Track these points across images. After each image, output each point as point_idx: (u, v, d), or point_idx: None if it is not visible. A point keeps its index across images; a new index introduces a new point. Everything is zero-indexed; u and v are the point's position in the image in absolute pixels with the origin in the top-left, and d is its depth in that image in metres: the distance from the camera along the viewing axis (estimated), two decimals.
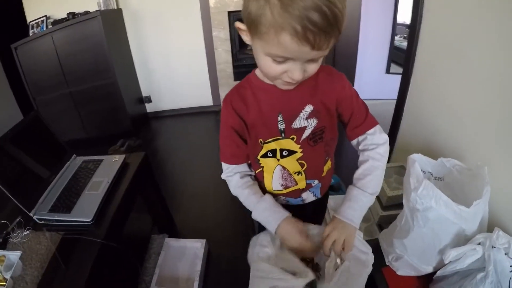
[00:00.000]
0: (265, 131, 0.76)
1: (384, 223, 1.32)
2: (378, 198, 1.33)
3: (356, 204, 0.76)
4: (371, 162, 0.76)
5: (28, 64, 2.95)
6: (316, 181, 0.86)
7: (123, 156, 1.49)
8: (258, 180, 0.87)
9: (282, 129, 0.75)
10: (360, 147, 0.79)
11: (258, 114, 0.74)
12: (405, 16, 3.01)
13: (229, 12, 2.97)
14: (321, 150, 0.79)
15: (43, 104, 3.08)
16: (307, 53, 0.53)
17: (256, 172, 0.85)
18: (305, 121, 0.74)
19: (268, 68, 0.61)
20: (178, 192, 2.21)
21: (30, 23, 3.09)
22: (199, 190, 2.21)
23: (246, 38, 0.61)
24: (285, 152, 0.78)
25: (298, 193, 0.86)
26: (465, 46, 1.15)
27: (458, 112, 1.22)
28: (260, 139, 0.77)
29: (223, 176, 0.85)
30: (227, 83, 3.27)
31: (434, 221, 0.86)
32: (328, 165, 0.86)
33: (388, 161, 1.76)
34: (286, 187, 0.85)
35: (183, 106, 3.55)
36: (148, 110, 3.58)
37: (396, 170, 1.44)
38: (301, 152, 0.77)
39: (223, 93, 3.30)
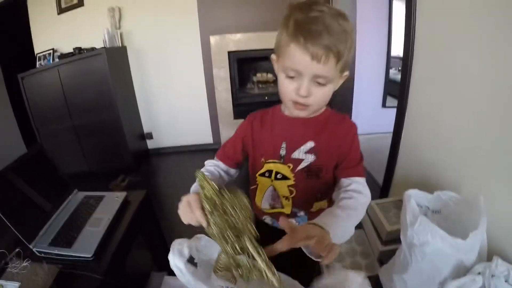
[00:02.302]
0: (269, 153, 0.86)
1: (384, 258, 1.31)
2: (377, 233, 1.33)
3: (332, 215, 0.68)
4: (356, 199, 0.73)
5: (33, 94, 3.05)
6: (302, 212, 0.90)
7: (124, 193, 1.50)
8: (250, 197, 0.93)
9: (282, 155, 0.84)
10: (342, 189, 0.78)
11: (268, 136, 0.86)
12: (399, 48, 3.10)
13: (229, 52, 3.09)
14: (314, 185, 0.84)
15: (46, 135, 3.15)
16: (309, 65, 0.64)
17: (251, 188, 0.94)
18: (303, 155, 0.81)
19: (282, 86, 0.73)
20: (178, 229, 2.19)
21: (38, 55, 3.24)
22: (199, 229, 2.17)
23: (276, 66, 0.76)
24: (279, 175, 0.86)
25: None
26: (457, 79, 1.20)
27: (453, 143, 1.25)
28: (263, 159, 0.86)
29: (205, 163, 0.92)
30: (227, 122, 3.33)
31: (432, 255, 0.86)
32: (322, 204, 0.90)
33: (386, 196, 1.79)
34: (273, 207, 0.93)
35: (183, 143, 3.61)
36: (149, 146, 3.64)
37: (395, 204, 1.45)
38: (293, 180, 0.84)
39: (223, 131, 3.37)
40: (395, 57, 3.29)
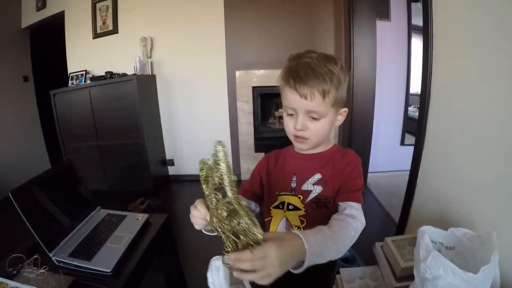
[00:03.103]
0: (281, 186, 0.92)
1: None
2: (392, 269, 1.32)
3: (317, 230, 0.68)
4: (348, 222, 0.73)
5: (63, 111, 3.20)
6: None
7: (146, 215, 1.54)
8: (265, 228, 0.97)
9: (293, 187, 0.91)
10: (337, 213, 0.79)
11: (281, 171, 0.95)
12: (417, 85, 3.14)
13: (253, 87, 3.21)
14: (323, 215, 0.85)
15: (71, 150, 3.28)
16: (299, 102, 0.77)
17: (266, 220, 0.98)
18: (312, 186, 0.88)
19: (285, 123, 0.86)
20: (193, 257, 2.20)
21: (70, 74, 3.45)
22: (214, 253, 2.17)
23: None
24: (291, 207, 0.92)
25: None
26: (473, 118, 1.24)
27: (468, 181, 1.27)
28: (276, 192, 0.93)
29: None
30: (248, 154, 3.40)
31: None
32: None
33: (402, 233, 1.77)
34: None
35: None
36: (170, 173, 3.71)
37: (410, 241, 1.44)
38: (304, 211, 0.89)
39: (244, 164, 3.43)
40: (414, 94, 3.32)
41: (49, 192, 1.34)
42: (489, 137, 1.14)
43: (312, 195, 0.88)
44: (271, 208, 0.96)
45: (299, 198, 0.89)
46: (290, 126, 0.83)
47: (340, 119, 0.87)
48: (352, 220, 0.74)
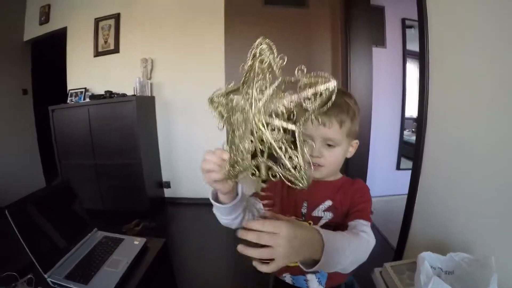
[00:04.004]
0: (292, 211, 0.93)
1: None
2: None
3: (334, 232, 0.69)
4: (361, 236, 0.74)
5: (61, 127, 3.19)
6: None
7: (144, 239, 1.53)
8: None
9: (303, 213, 0.93)
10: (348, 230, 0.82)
11: (292, 197, 0.96)
12: (412, 109, 3.19)
13: None
14: None
15: (66, 168, 3.25)
16: (318, 130, 0.80)
17: None
18: (322, 213, 0.90)
19: None
20: (189, 281, 2.16)
21: (70, 91, 3.45)
22: (211, 283, 2.14)
23: None
24: None
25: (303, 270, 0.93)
26: (470, 142, 1.28)
27: (466, 205, 1.29)
28: (287, 215, 0.91)
29: None
30: (245, 178, 3.37)
31: None
32: None
33: (400, 258, 1.76)
34: (295, 261, 0.95)
35: (200, 195, 3.60)
36: (166, 195, 3.67)
37: (409, 266, 1.44)
38: None
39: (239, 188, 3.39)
40: (409, 118, 3.39)
41: (46, 211, 1.33)
42: (486, 161, 1.18)
43: (322, 221, 0.90)
44: None
45: (309, 223, 0.91)
46: None
47: (352, 150, 0.92)
48: (365, 234, 0.75)
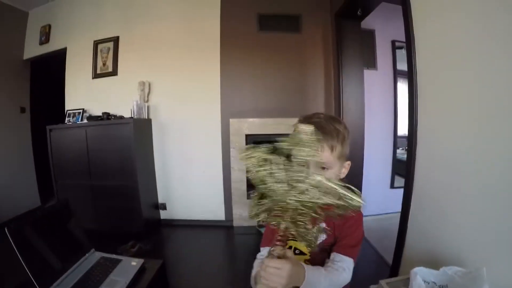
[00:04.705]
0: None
1: None
2: None
3: (316, 268, 0.87)
4: (339, 272, 0.90)
5: (58, 147, 3.21)
6: None
7: (141, 260, 1.54)
8: None
9: None
10: (332, 261, 0.94)
11: None
12: (404, 128, 3.25)
13: (246, 135, 3.30)
14: (325, 258, 0.98)
15: (63, 188, 3.26)
16: None
17: None
18: None
19: None
20: None
21: (68, 112, 3.49)
22: None
23: None
24: (297, 251, 0.99)
25: None
26: (459, 158, 1.33)
27: (457, 220, 1.34)
28: None
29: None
30: (240, 201, 3.40)
31: None
32: None
33: (396, 274, 1.77)
34: None
35: (196, 217, 3.60)
36: (162, 217, 3.65)
37: (404, 282, 1.45)
38: (309, 256, 0.98)
39: (236, 210, 3.43)
40: (401, 137, 3.46)
41: (44, 230, 1.34)
42: (476, 176, 1.23)
43: (317, 242, 0.94)
44: None
45: (305, 261, 0.96)
46: None
47: (344, 171, 0.98)
48: (343, 272, 0.90)
